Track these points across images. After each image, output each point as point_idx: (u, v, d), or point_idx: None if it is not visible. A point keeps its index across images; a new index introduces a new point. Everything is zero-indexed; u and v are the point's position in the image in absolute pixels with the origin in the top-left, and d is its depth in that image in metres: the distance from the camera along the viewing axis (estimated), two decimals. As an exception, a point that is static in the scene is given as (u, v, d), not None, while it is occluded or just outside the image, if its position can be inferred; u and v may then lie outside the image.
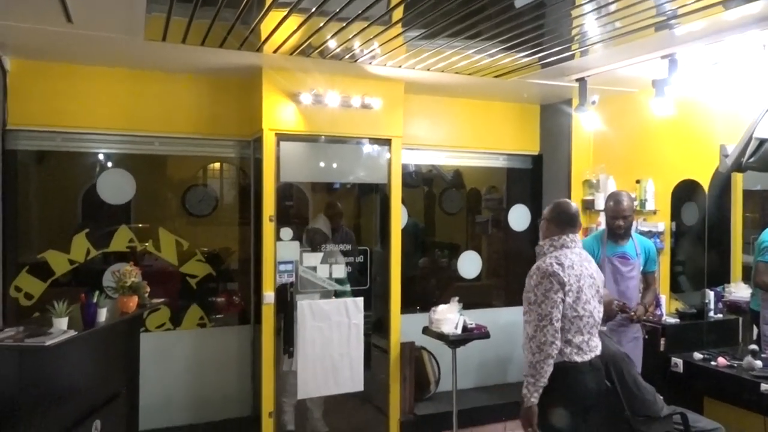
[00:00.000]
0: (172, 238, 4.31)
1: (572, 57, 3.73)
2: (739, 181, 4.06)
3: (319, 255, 4.25)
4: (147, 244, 4.25)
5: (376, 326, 4.66)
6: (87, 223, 4.19)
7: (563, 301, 2.66)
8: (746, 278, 3.95)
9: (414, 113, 4.76)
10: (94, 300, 2.76)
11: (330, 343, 4.18)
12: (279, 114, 4.06)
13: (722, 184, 4.09)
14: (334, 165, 4.46)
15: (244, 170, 4.58)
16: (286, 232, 4.13)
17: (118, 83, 4.04)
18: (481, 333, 4.41)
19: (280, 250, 4.09)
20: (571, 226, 2.86)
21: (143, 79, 4.10)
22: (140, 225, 4.33)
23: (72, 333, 2.54)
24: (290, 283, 4.11)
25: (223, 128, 4.33)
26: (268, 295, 4.06)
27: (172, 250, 4.31)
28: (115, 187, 4.15)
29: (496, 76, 4.18)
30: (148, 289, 3.18)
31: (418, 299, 5.11)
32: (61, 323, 2.57)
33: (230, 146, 4.47)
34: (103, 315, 2.81)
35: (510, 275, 5.70)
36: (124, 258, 3.97)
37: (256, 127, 4.14)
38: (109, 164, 4.22)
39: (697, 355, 3.70)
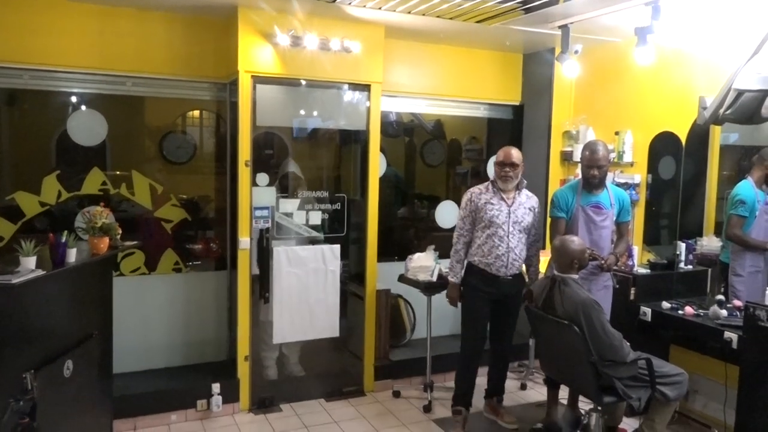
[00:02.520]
0: (146, 182, 4.24)
1: (555, 2, 3.66)
2: (716, 134, 4.07)
3: (296, 201, 4.23)
4: (119, 189, 4.17)
5: (353, 273, 4.69)
6: (58, 164, 4.09)
7: None
8: (718, 232, 4.01)
9: (395, 59, 4.67)
10: (63, 240, 2.72)
11: (306, 289, 4.22)
12: (255, 55, 3.96)
13: (700, 137, 4.11)
14: (312, 110, 4.40)
15: (224, 117, 4.49)
16: (262, 178, 4.09)
17: (89, 19, 3.88)
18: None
19: (255, 196, 4.06)
20: None
21: (115, 15, 3.94)
22: (115, 168, 4.24)
23: (40, 272, 2.50)
24: (266, 228, 4.10)
25: (199, 70, 4.21)
26: (244, 241, 4.05)
27: (146, 194, 4.25)
28: (87, 129, 4.04)
29: (479, 21, 4.10)
30: (120, 231, 3.13)
31: (396, 248, 5.13)
32: (29, 262, 2.53)
33: (206, 89, 4.35)
34: (72, 255, 2.77)
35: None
36: (97, 201, 3.90)
37: (232, 69, 4.04)
38: (80, 104, 4.10)
39: (666, 305, 3.78)
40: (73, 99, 4.11)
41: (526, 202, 3.81)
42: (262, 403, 4.17)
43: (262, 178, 4.09)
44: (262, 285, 4.13)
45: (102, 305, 3.25)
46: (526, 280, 3.93)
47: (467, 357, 3.95)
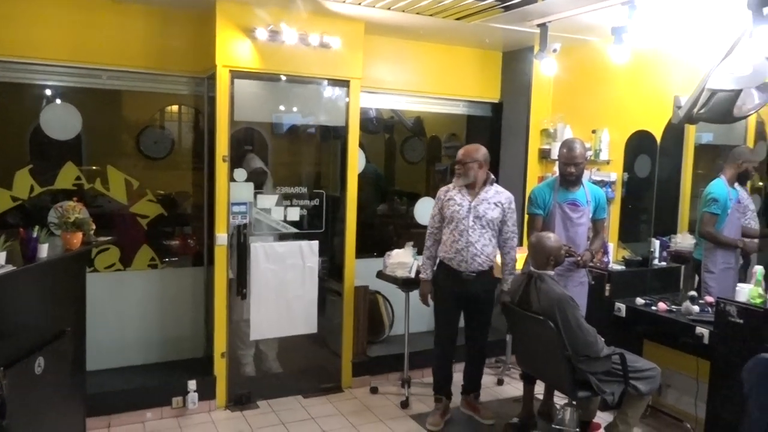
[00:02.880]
0: (121, 177, 4.18)
1: (534, 0, 3.68)
2: (691, 134, 4.14)
3: (274, 197, 4.20)
4: (94, 184, 4.11)
5: (332, 270, 4.68)
6: (31, 159, 4.02)
7: None
8: (692, 230, 4.08)
9: (375, 55, 4.66)
10: (34, 235, 2.67)
11: (284, 285, 4.20)
12: (233, 50, 3.92)
13: (675, 136, 4.17)
14: (291, 106, 4.38)
15: (202, 112, 4.44)
16: (240, 173, 4.06)
17: (63, 10, 3.81)
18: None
19: (233, 191, 4.03)
20: None
21: (91, 7, 3.88)
22: (90, 163, 4.18)
23: (10, 267, 2.46)
24: (243, 224, 4.07)
25: (176, 63, 4.16)
26: (221, 237, 4.01)
27: (122, 190, 4.19)
28: (61, 122, 3.97)
29: (458, 18, 4.11)
30: (94, 226, 3.08)
31: (374, 245, 5.13)
32: (-1, 257, 2.49)
33: (183, 83, 4.30)
34: (44, 251, 2.72)
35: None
36: (71, 196, 3.84)
37: (209, 63, 3.99)
38: (55, 98, 4.03)
39: (639, 300, 3.84)
40: (47, 92, 4.04)
41: (493, 197, 3.78)
42: (239, 400, 4.15)
43: (240, 173, 4.06)
44: (239, 281, 4.10)
45: (75, 301, 3.19)
46: (503, 280, 3.90)
47: (439, 352, 4.03)
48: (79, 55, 3.89)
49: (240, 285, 4.09)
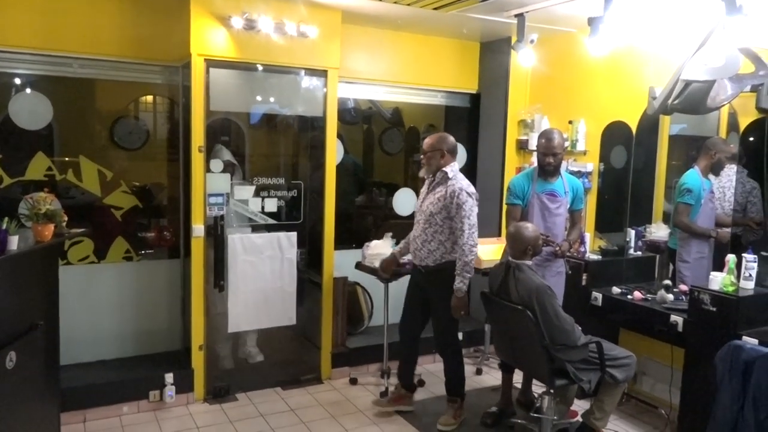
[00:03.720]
0: (94, 168, 4.10)
1: (511, -10, 3.68)
2: (665, 124, 4.19)
3: (251, 188, 4.16)
4: (66, 175, 4.02)
5: (310, 261, 4.65)
6: (0, 149, 3.91)
7: None
8: (666, 220, 4.14)
9: (352, 45, 4.62)
10: (4, 227, 2.61)
11: (262, 277, 4.17)
12: (208, 38, 3.86)
13: (650, 126, 4.21)
14: (268, 96, 4.32)
15: (177, 102, 4.36)
16: (216, 164, 4.00)
17: (30, -3, 3.71)
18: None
19: (210, 182, 3.98)
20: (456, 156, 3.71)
21: (60, -7, 3.78)
22: (62, 154, 4.08)
23: (-21, 260, 2.41)
24: (220, 216, 4.03)
25: (150, 52, 4.07)
26: (197, 228, 3.96)
27: (95, 180, 4.10)
28: (30, 112, 3.87)
29: (436, 8, 4.09)
30: (66, 218, 3.01)
31: (353, 236, 5.12)
32: (-33, 250, 2.43)
33: (157, 72, 4.21)
34: (14, 243, 2.66)
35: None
36: (43, 188, 3.75)
37: (184, 52, 3.92)
38: (24, 86, 3.92)
39: (615, 290, 3.88)
40: (16, 80, 3.93)
41: (440, 191, 3.61)
42: (218, 393, 4.12)
43: (216, 164, 4.01)
44: (216, 273, 4.05)
45: (48, 294, 3.13)
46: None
47: (401, 337, 3.99)
48: (48, 42, 3.78)
49: (217, 277, 4.05)
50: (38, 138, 3.97)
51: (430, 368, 4.72)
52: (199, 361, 4.06)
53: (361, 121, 5.56)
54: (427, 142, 3.70)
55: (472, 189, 3.62)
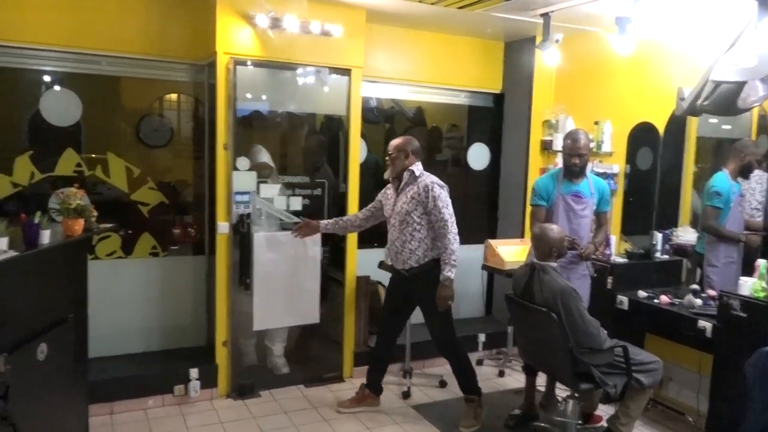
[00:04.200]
0: (121, 164, 4.15)
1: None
2: (693, 126, 4.13)
3: (276, 186, 4.18)
4: (95, 171, 4.08)
5: (333, 260, 4.66)
6: (31, 144, 3.98)
7: None
8: (694, 223, 4.08)
9: (376, 44, 4.63)
10: (36, 221, 2.65)
11: (286, 275, 4.17)
12: (234, 36, 3.89)
13: (677, 128, 4.16)
14: (292, 94, 4.34)
15: (201, 100, 4.41)
16: (243, 162, 4.01)
17: (62, -4, 3.78)
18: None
19: (236, 180, 3.99)
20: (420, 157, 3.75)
21: (90, -9, 3.84)
22: (90, 150, 4.14)
23: (12, 253, 2.44)
24: (247, 214, 4.04)
25: (176, 50, 4.12)
26: (222, 225, 4.00)
27: (122, 177, 4.16)
28: (60, 108, 3.93)
29: (461, 7, 4.07)
30: (95, 213, 3.06)
31: (376, 235, 5.09)
32: (1, 243, 2.47)
33: (183, 70, 4.26)
34: (46, 237, 2.70)
35: (468, 213, 5.74)
36: (72, 183, 3.81)
37: (210, 50, 3.96)
38: (54, 83, 3.98)
39: (642, 293, 3.84)
40: (47, 78, 3.99)
41: (410, 190, 3.62)
42: (241, 389, 4.14)
43: (243, 162, 4.02)
44: (242, 271, 4.07)
45: (77, 288, 3.18)
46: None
47: (377, 340, 4.04)
48: (78, 40, 3.85)
49: (243, 275, 4.06)
50: (67, 134, 4.03)
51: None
52: (222, 357, 4.09)
53: (383, 120, 5.55)
54: (393, 144, 3.73)
55: (441, 182, 3.65)
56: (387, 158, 3.76)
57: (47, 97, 3.94)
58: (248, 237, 4.05)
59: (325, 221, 3.95)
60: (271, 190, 4.15)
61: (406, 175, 3.67)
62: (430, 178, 3.64)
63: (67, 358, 3.03)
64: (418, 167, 3.68)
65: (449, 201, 3.61)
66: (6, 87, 4.01)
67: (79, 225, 2.93)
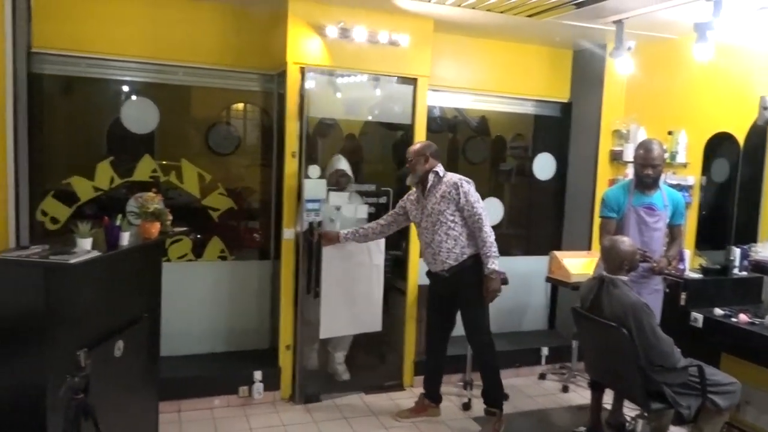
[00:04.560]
0: (194, 170, 4.31)
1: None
2: (776, 136, 3.92)
3: (345, 194, 4.21)
4: (169, 177, 4.24)
5: (395, 268, 4.67)
6: (111, 151, 4.19)
7: None
8: (776, 239, 3.87)
9: (442, 53, 4.62)
10: (117, 223, 2.78)
11: (352, 283, 4.17)
12: (304, 47, 3.97)
13: (759, 138, 3.95)
14: (359, 103, 4.38)
15: (267, 111, 4.52)
16: (314, 170, 4.03)
17: (142, 8, 3.97)
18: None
19: (307, 188, 4.00)
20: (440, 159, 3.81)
21: (169, 5, 4.02)
22: (163, 157, 4.32)
23: (95, 253, 2.57)
24: (318, 222, 4.03)
25: (248, 60, 4.25)
26: (288, 232, 4.07)
27: (195, 182, 4.31)
28: (139, 117, 4.13)
29: (529, 16, 4.03)
30: (171, 217, 3.18)
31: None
32: (85, 244, 2.60)
33: (254, 80, 4.39)
34: (125, 239, 2.83)
35: (532, 224, 5.65)
36: (147, 188, 3.98)
37: (280, 60, 4.06)
38: (133, 93, 4.19)
39: (718, 311, 3.66)
40: (127, 87, 4.20)
41: (439, 190, 3.66)
42: (303, 393, 4.19)
43: (314, 170, 4.03)
44: (310, 279, 4.08)
45: (152, 289, 3.31)
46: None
47: (427, 348, 4.04)
48: (157, 51, 4.04)
49: (312, 283, 4.05)
50: (145, 141, 4.22)
51: (513, 382, 4.62)
52: (286, 361, 4.16)
53: (446, 129, 5.54)
54: (411, 150, 3.78)
55: (467, 178, 3.71)
56: (407, 165, 3.78)
57: (128, 106, 4.14)
58: (318, 245, 4.04)
59: (344, 231, 3.98)
60: (341, 198, 4.18)
61: (430, 177, 3.70)
62: (455, 176, 3.69)
63: (141, 355, 3.16)
64: (441, 168, 3.73)
65: (479, 195, 3.67)
66: (91, 96, 4.24)
67: (155, 228, 3.05)
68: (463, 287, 3.70)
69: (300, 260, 4.09)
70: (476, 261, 3.64)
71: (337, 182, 4.19)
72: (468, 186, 3.65)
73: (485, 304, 3.68)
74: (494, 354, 3.83)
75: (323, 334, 4.14)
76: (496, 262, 3.59)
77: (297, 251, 4.12)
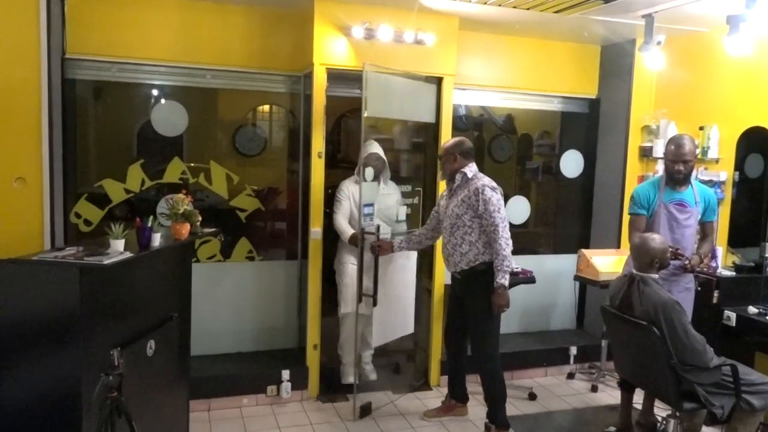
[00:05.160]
0: (222, 172, 4.36)
1: (639, -9, 3.52)
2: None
3: (395, 196, 4.24)
4: (198, 178, 4.31)
5: (421, 267, 4.66)
6: (142, 154, 4.27)
7: None
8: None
9: (467, 51, 4.61)
10: (149, 224, 2.84)
11: (394, 286, 4.13)
12: (330, 48, 3.99)
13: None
14: (385, 103, 4.37)
15: (293, 112, 4.56)
16: (368, 172, 3.93)
17: (171, 13, 4.04)
18: (527, 277, 4.39)
19: (365, 192, 3.85)
20: (473, 158, 3.70)
21: (197, 9, 4.08)
22: (192, 159, 4.38)
23: (128, 254, 2.62)
24: (377, 226, 3.91)
25: (275, 62, 4.29)
26: (315, 231, 4.10)
27: (223, 184, 4.37)
28: (169, 120, 4.20)
29: (557, 11, 3.99)
30: (200, 218, 3.23)
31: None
32: (118, 245, 2.65)
33: (280, 81, 4.43)
34: (157, 240, 2.88)
35: (560, 222, 5.59)
36: (177, 190, 4.04)
37: (307, 62, 4.09)
38: (163, 96, 4.27)
39: (752, 309, 3.59)
40: (157, 91, 4.28)
41: (462, 192, 3.58)
42: (331, 392, 4.22)
43: (368, 172, 3.92)
44: (373, 286, 3.88)
45: (182, 289, 3.36)
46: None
47: (447, 348, 4.03)
48: (186, 55, 4.11)
49: (374, 291, 3.88)
50: (174, 144, 4.29)
51: (541, 381, 4.59)
52: (313, 360, 4.19)
53: (471, 127, 5.51)
54: (443, 146, 3.74)
55: (494, 184, 3.58)
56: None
57: (157, 109, 4.22)
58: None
59: (398, 239, 3.95)
60: (390, 198, 4.20)
61: (458, 177, 3.64)
62: (482, 181, 3.57)
63: (172, 354, 3.21)
64: (470, 169, 3.63)
65: (502, 204, 3.53)
66: (122, 101, 4.32)
67: (185, 229, 3.09)
68: (470, 293, 3.64)
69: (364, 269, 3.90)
70: (489, 269, 3.51)
71: (374, 166, 4.05)
72: (491, 193, 3.49)
73: (493, 314, 3.54)
74: (497, 372, 3.66)
75: (376, 342, 4.10)
76: (507, 278, 3.45)
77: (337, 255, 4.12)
